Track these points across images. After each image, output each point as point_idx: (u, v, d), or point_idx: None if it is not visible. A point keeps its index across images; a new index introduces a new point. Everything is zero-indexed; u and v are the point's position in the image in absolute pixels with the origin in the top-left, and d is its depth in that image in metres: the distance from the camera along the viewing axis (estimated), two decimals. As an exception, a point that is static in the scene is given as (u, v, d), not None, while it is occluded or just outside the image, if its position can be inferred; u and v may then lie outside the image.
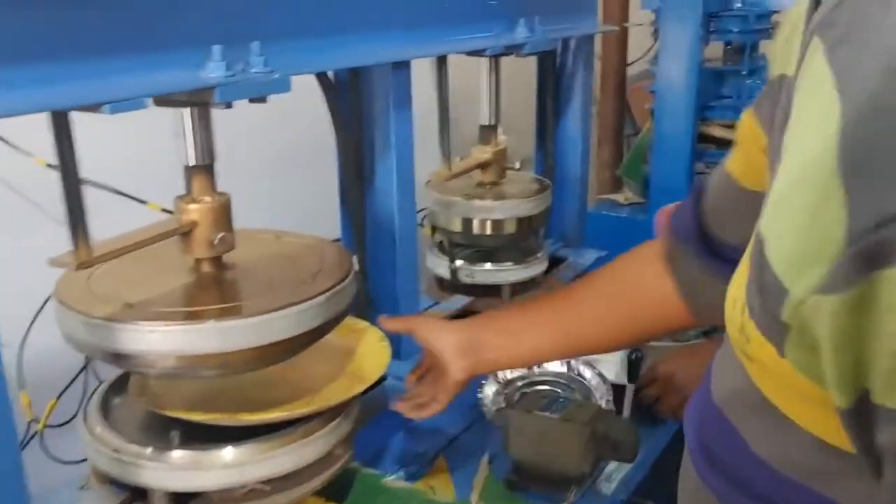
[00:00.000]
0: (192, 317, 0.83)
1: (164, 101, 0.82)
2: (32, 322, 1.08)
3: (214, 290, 0.91)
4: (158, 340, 0.81)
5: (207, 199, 0.90)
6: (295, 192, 1.73)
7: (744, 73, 2.00)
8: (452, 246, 1.47)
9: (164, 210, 1.21)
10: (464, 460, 1.13)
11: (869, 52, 0.43)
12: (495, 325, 1.02)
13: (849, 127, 0.41)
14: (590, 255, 1.69)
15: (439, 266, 1.48)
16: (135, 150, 1.36)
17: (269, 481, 0.90)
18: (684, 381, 1.22)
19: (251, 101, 0.87)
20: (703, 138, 2.05)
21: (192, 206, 0.89)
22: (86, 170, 1.04)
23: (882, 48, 0.42)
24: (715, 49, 2.07)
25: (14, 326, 1.07)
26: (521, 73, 1.74)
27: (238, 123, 1.18)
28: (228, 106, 0.83)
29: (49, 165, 1.31)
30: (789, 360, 0.46)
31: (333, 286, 0.90)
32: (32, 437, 1.05)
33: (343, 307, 0.93)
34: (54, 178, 1.19)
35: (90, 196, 1.05)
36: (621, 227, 2.13)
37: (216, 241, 0.90)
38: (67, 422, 1.09)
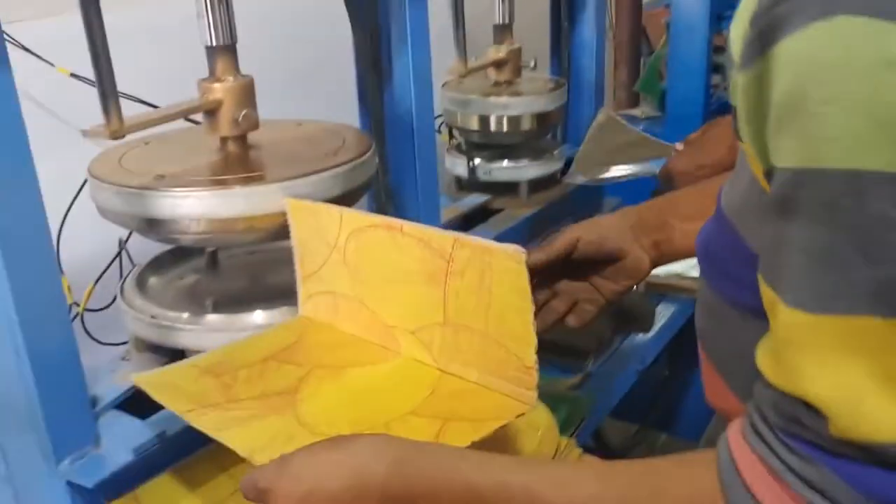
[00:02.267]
0: (220, 184, 0.88)
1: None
2: (66, 215, 1.13)
3: (240, 164, 0.95)
4: (190, 205, 0.86)
5: (230, 78, 0.94)
6: (315, 94, 1.75)
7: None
8: (470, 145, 1.50)
9: (191, 120, 1.26)
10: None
11: None
12: (674, 208, 0.88)
13: None
14: (605, 160, 1.72)
15: (457, 166, 1.51)
16: (168, 66, 1.40)
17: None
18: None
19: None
20: (719, 50, 2.05)
21: (216, 86, 0.93)
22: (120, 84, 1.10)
23: None
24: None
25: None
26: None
27: (259, 29, 1.21)
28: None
29: (72, 75, 1.35)
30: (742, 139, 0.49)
31: (353, 158, 0.94)
32: (73, 318, 1.10)
33: (364, 179, 0.97)
34: (77, 88, 1.24)
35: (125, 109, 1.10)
36: (638, 139, 2.15)
37: (240, 119, 0.94)
38: (106, 307, 1.15)
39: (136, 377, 0.79)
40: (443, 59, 1.41)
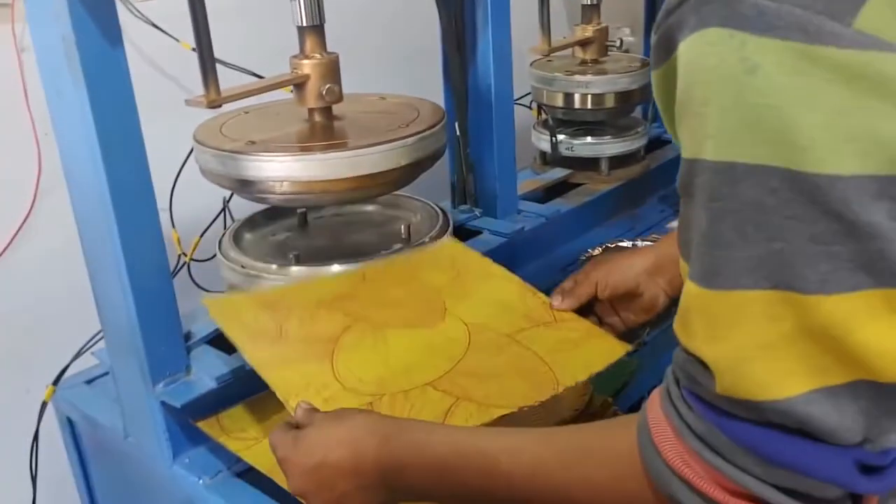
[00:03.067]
0: (301, 150, 0.98)
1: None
2: (178, 175, 1.26)
3: (322, 132, 1.06)
4: (274, 168, 0.97)
5: (317, 55, 1.04)
6: (403, 71, 1.82)
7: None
8: (556, 122, 1.56)
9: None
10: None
11: None
12: None
13: None
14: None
15: (542, 141, 1.58)
16: (266, 38, 1.50)
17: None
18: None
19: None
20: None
21: (305, 62, 1.03)
22: (221, 52, 1.20)
23: None
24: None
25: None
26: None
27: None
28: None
29: (193, 49, 1.50)
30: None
31: (423, 130, 1.03)
32: (181, 267, 1.25)
33: (432, 150, 1.06)
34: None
35: (230, 78, 1.21)
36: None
37: (324, 92, 1.04)
38: (210, 258, 1.28)
39: (205, 300, 0.93)
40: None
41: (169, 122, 1.39)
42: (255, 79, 1.44)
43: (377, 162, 0.99)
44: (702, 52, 0.45)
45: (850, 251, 0.43)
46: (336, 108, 1.09)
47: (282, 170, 0.97)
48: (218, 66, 0.96)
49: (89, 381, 1.13)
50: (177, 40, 1.38)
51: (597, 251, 1.31)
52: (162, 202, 1.31)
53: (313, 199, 1.01)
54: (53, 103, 0.86)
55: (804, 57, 0.41)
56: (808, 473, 0.47)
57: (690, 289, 0.49)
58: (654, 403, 0.55)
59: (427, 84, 1.45)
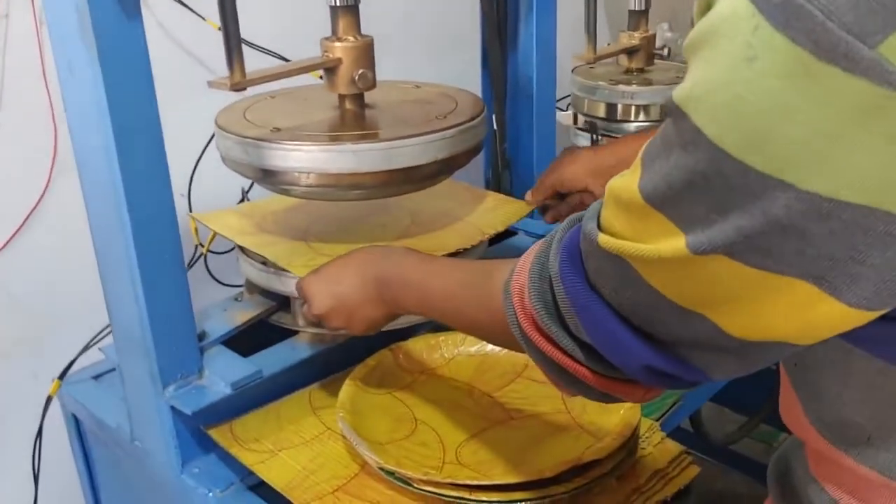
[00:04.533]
0: (331, 140, 0.91)
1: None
2: (198, 161, 1.20)
3: (354, 121, 0.98)
4: (298, 158, 0.90)
5: (351, 38, 0.97)
6: (439, 60, 1.77)
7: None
8: (596, 130, 1.49)
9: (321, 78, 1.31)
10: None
11: None
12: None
13: None
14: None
15: (580, 138, 1.50)
16: (293, 20, 1.44)
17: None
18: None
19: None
20: None
21: (337, 45, 0.96)
22: (250, 34, 1.13)
23: None
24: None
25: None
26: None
27: None
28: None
29: (220, 29, 1.42)
30: None
31: (462, 122, 0.96)
32: (197, 259, 1.18)
33: (471, 144, 0.98)
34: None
35: (256, 61, 1.14)
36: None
37: (357, 78, 0.97)
38: (228, 251, 1.22)
39: (194, 214, 1.10)
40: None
41: (191, 105, 1.36)
42: (281, 62, 1.37)
43: (413, 155, 0.91)
44: (729, 12, 0.41)
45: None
46: (368, 96, 1.02)
47: (308, 160, 0.90)
48: (245, 48, 0.90)
49: (97, 377, 1.08)
50: (203, 18, 1.32)
51: None
52: (181, 186, 1.29)
53: (341, 193, 0.94)
54: (65, 79, 0.80)
55: (805, 69, 0.38)
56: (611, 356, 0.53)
57: (634, 194, 0.48)
58: (546, 239, 0.61)
59: (464, 75, 1.39)
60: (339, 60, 0.96)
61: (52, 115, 1.24)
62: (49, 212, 1.26)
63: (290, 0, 1.47)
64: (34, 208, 1.25)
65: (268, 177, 0.93)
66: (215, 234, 1.20)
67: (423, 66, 1.65)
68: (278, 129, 0.93)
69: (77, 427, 1.08)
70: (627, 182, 0.49)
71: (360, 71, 0.97)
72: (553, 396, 0.92)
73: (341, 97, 1.00)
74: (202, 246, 1.18)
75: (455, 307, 0.73)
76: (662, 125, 0.48)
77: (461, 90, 1.10)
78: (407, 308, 0.81)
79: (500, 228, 1.08)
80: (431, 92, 1.10)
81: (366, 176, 0.91)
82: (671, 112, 0.45)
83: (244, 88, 0.90)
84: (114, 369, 1.04)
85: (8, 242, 1.23)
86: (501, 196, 1.19)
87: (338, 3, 0.96)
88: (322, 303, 0.85)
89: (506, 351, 0.93)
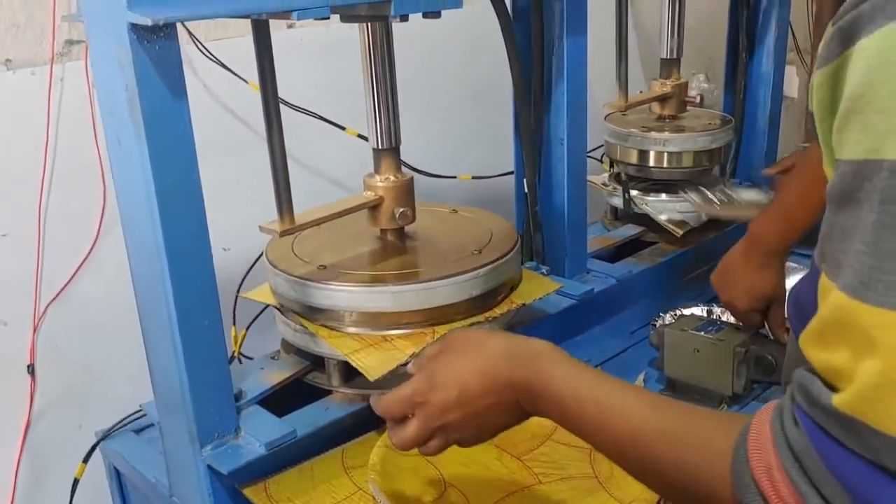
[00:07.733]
0: (371, 280, 1.03)
1: (347, 15, 0.96)
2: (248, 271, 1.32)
3: (394, 257, 1.10)
4: (344, 298, 1.03)
5: (392, 177, 1.09)
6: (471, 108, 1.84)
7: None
8: (629, 177, 1.53)
9: (360, 136, 1.40)
10: (620, 376, 1.20)
11: None
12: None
13: None
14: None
15: (614, 196, 1.55)
16: (336, 81, 1.53)
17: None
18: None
19: (424, 16, 0.97)
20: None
21: (379, 184, 1.08)
22: (290, 95, 1.18)
23: None
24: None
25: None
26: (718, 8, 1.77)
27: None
28: (404, 19, 0.94)
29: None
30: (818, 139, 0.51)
31: (495, 260, 1.08)
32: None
33: (504, 279, 1.09)
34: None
35: (296, 120, 1.19)
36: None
37: (398, 215, 1.09)
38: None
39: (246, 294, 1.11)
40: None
41: (234, 161, 1.45)
42: (320, 121, 1.50)
43: (448, 294, 1.03)
44: (893, 44, 0.42)
45: None
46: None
47: (352, 300, 1.02)
48: (283, 108, 0.98)
49: (138, 431, 1.15)
50: (245, 81, 1.43)
51: (668, 318, 1.28)
52: (223, 242, 1.39)
53: (381, 329, 1.04)
54: (113, 150, 0.86)
55: None
56: None
57: (839, 300, 0.46)
58: (764, 412, 0.54)
59: (496, 125, 1.44)
60: (381, 199, 1.09)
61: (101, 171, 1.33)
62: (97, 266, 1.34)
63: (323, 62, 1.57)
64: (83, 261, 1.33)
65: (314, 313, 1.05)
66: (244, 335, 1.28)
67: (458, 113, 1.74)
68: (324, 267, 1.06)
69: (118, 479, 1.15)
70: (828, 307, 0.46)
71: (402, 210, 1.09)
72: (580, 460, 0.98)
73: (383, 230, 1.12)
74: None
75: (636, 454, 0.63)
76: (828, 222, 0.46)
77: (495, 217, 1.21)
78: (555, 421, 0.72)
79: (528, 300, 1.13)
80: (467, 218, 1.22)
81: (402, 315, 1.03)
82: (847, 191, 0.44)
83: (292, 233, 1.01)
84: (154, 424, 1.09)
85: (59, 294, 1.31)
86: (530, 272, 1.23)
87: (380, 147, 1.07)
88: (443, 418, 0.75)
89: None
